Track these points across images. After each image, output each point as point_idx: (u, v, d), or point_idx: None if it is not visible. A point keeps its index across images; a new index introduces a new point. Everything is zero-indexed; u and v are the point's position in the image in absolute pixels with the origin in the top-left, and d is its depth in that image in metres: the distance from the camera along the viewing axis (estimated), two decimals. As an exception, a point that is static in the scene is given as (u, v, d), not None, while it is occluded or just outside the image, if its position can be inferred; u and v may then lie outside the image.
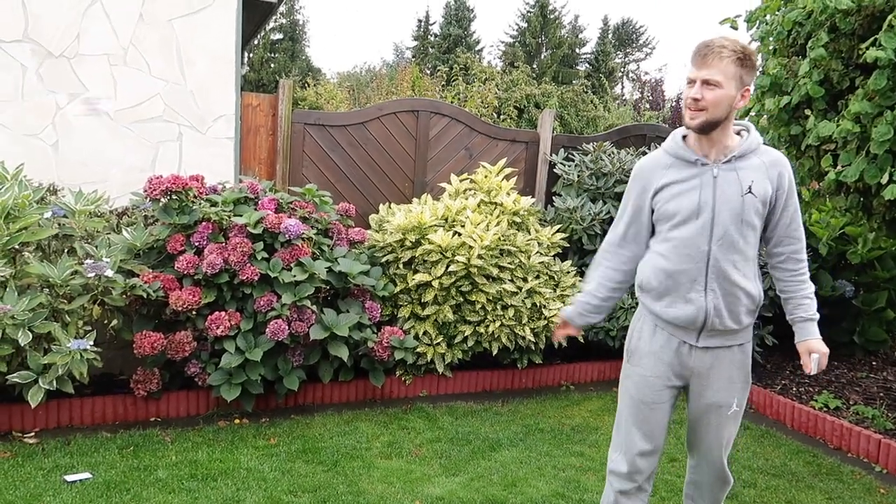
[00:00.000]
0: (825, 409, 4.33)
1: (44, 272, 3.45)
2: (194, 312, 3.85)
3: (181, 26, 4.50)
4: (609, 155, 5.41)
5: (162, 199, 3.97)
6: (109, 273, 3.55)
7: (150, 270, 3.86)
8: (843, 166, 3.82)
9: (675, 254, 2.23)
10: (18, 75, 4.15)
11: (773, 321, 5.17)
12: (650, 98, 19.62)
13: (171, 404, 3.95)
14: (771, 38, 4.31)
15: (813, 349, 2.29)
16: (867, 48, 3.42)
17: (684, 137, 2.29)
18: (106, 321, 3.83)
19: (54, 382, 3.44)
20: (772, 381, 4.92)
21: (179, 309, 3.73)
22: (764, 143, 2.29)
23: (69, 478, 3.10)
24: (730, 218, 2.17)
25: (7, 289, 3.38)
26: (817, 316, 2.32)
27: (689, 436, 2.47)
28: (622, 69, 35.71)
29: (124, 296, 3.71)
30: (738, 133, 2.26)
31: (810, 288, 2.33)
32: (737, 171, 2.18)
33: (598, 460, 3.65)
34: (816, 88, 3.82)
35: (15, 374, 3.40)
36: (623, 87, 34.28)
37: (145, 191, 3.94)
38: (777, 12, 4.31)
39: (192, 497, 3.01)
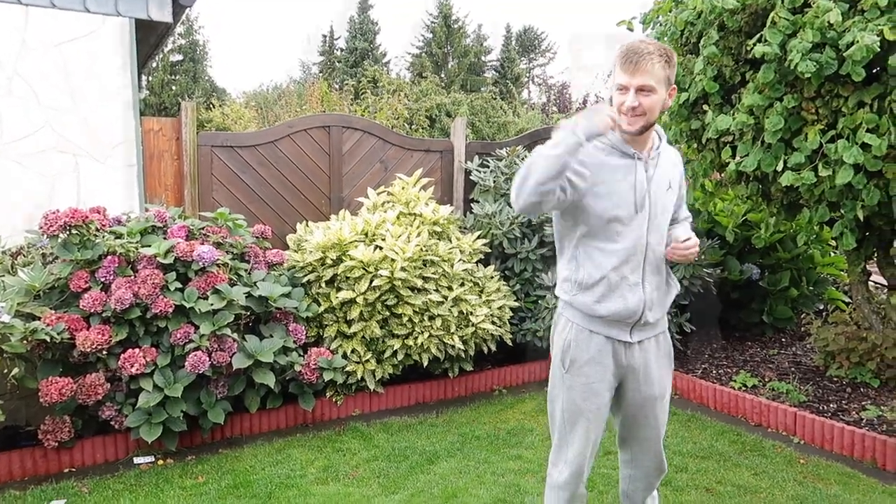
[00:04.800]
0: (744, 388, 4.53)
1: (-70, 323, 3.17)
2: (105, 352, 3.62)
3: (69, 51, 4.25)
4: (522, 159, 5.50)
5: (61, 235, 3.73)
6: (6, 318, 3.29)
7: (53, 312, 3.61)
8: (741, 157, 4.01)
9: (619, 247, 2.20)
10: None
11: (689, 308, 5.37)
12: (557, 101, 20.17)
13: (87, 452, 3.70)
14: (666, 38, 4.50)
15: (690, 234, 2.34)
16: (754, 44, 3.61)
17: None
18: (6, 370, 3.55)
19: (-50, 442, 3.16)
20: (693, 366, 5.11)
21: (88, 350, 3.50)
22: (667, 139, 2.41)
23: (-26, 545, 2.84)
24: (661, 209, 2.27)
25: None
26: (685, 225, 2.45)
27: (624, 432, 2.50)
28: (527, 74, 36.58)
29: (25, 341, 3.44)
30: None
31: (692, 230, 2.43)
32: (660, 165, 2.28)
33: (535, 462, 3.67)
34: (711, 84, 4.01)
35: None
36: (530, 92, 35.09)
37: (41, 227, 3.69)
38: (669, 13, 4.50)
39: (115, 550, 2.82)
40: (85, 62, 4.31)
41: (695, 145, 4.57)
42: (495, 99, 14.37)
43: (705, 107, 4.29)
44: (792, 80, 3.68)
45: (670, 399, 2.48)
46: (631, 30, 4.82)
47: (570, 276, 2.31)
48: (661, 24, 4.58)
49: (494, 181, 5.39)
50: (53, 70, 4.22)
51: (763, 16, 3.82)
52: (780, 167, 3.72)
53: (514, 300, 4.98)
